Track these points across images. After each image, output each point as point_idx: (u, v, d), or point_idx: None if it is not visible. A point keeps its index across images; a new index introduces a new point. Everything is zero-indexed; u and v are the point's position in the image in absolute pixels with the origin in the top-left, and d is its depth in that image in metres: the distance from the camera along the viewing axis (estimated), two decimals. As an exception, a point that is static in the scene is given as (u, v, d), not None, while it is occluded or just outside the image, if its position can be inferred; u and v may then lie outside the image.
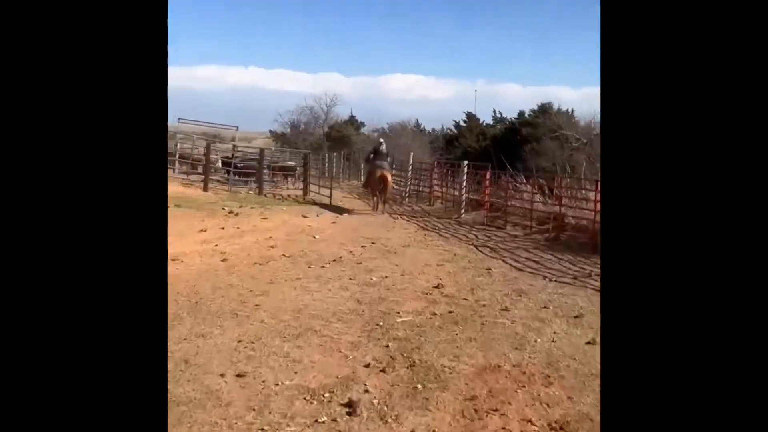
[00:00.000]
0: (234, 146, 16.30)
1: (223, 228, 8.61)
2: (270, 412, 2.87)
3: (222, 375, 3.32)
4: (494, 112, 30.38)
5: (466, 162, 12.29)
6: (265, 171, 14.77)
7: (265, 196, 13.55)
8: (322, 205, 12.63)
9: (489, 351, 3.86)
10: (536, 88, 70.63)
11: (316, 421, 2.79)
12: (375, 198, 12.47)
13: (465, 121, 29.92)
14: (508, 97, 68.84)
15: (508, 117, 28.74)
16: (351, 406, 2.94)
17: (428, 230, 9.67)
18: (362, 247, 7.67)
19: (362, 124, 32.73)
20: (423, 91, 77.69)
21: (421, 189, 14.67)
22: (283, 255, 6.90)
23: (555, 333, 4.27)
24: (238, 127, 21.28)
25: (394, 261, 6.84)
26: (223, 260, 6.46)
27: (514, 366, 3.60)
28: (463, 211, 11.39)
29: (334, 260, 6.70)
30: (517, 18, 77.55)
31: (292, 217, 10.29)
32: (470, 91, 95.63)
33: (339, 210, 12.10)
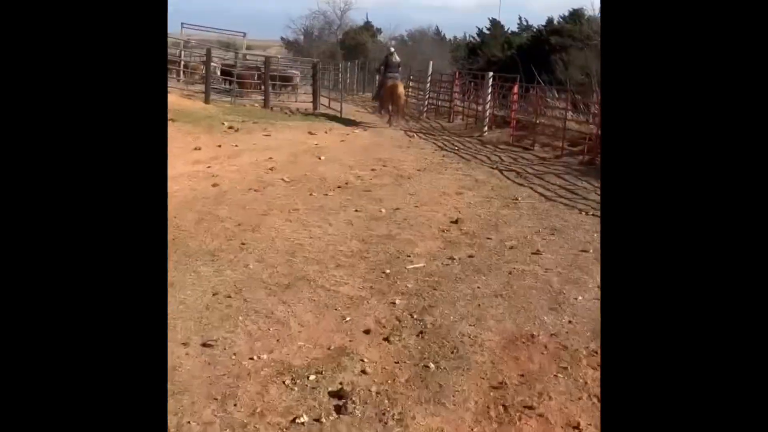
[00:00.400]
0: (236, 53, 15.01)
1: (220, 146, 7.79)
2: (236, 404, 2.21)
3: (185, 344, 2.66)
4: (520, 19, 28.16)
5: (490, 73, 11.08)
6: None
7: (271, 109, 12.56)
8: (332, 119, 11.66)
9: (519, 312, 3.14)
10: (566, -6, 65.47)
11: (294, 421, 2.12)
12: (387, 112, 11.48)
13: (489, 29, 27.83)
14: (536, 5, 64.05)
15: (536, 25, 26.59)
16: (342, 398, 2.27)
17: (447, 151, 8.76)
18: (372, 170, 6.84)
19: (379, 31, 30.69)
20: (445, -5, 72.91)
21: (440, 103, 13.51)
22: (283, 179, 6.12)
23: (599, 287, 3.52)
24: (245, 34, 19.77)
25: (407, 188, 6.04)
26: (214, 185, 5.71)
27: (551, 336, 2.88)
28: (486, 128, 10.36)
29: (339, 186, 5.92)
30: None
31: (297, 134, 9.39)
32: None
33: (350, 124, 11.15)
